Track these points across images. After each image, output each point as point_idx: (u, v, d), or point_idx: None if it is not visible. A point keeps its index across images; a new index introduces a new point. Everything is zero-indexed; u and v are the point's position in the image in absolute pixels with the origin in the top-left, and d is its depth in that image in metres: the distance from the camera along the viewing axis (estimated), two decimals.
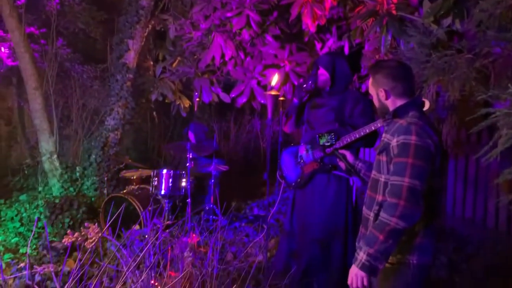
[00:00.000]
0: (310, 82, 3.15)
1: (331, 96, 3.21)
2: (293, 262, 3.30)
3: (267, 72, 4.25)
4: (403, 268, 1.92)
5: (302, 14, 3.77)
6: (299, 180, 3.28)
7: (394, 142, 1.88)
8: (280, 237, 3.66)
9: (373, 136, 3.12)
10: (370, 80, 2.08)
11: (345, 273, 3.08)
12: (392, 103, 2.00)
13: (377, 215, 1.90)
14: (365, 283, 1.87)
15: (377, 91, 2.03)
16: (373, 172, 2.05)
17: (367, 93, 4.46)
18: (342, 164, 2.46)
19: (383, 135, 2.02)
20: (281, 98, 3.55)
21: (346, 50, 4.11)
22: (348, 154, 2.43)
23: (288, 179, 3.39)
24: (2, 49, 5.99)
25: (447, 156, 1.96)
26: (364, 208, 2.07)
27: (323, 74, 3.17)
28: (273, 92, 3.10)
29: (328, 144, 2.60)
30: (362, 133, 2.88)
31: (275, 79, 3.38)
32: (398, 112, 1.97)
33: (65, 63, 6.33)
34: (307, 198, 3.27)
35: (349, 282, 1.94)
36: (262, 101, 4.43)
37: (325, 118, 3.20)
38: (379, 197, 1.94)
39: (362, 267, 1.86)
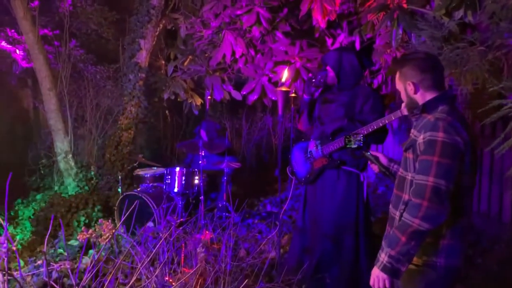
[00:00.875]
0: (319, 77, 3.14)
1: (341, 91, 3.21)
2: (306, 258, 3.31)
3: (277, 69, 4.25)
4: (429, 270, 1.85)
5: (312, 10, 3.75)
6: (308, 175, 3.29)
7: (420, 139, 1.80)
8: (293, 233, 3.67)
9: (383, 133, 3.10)
10: (397, 74, 1.99)
11: (357, 268, 3.11)
12: (422, 97, 1.90)
13: (402, 214, 1.83)
14: (387, 285, 1.81)
15: (404, 85, 1.94)
16: (400, 169, 1.98)
17: (378, 88, 4.44)
18: (375, 167, 2.31)
19: (411, 131, 1.95)
20: (292, 95, 3.55)
21: (357, 45, 4.08)
22: (381, 156, 2.29)
23: (298, 175, 3.40)
24: (17, 51, 6.09)
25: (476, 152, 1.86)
26: (390, 206, 2.01)
27: (330, 71, 3.18)
28: (284, 89, 3.11)
29: (356, 146, 2.48)
30: (370, 129, 2.87)
31: (285, 76, 3.39)
32: (427, 107, 1.88)
33: (78, 64, 6.40)
34: (317, 193, 3.28)
35: (371, 283, 1.87)
36: (273, 98, 4.43)
37: (335, 113, 3.19)
38: (406, 196, 1.87)
39: (384, 269, 1.80)
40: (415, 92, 1.91)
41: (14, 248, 2.14)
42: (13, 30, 5.97)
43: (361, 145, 2.41)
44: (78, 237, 2.06)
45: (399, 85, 2.00)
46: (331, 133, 3.16)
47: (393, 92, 4.36)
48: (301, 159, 3.37)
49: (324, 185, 3.23)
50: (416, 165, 1.82)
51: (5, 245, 2.17)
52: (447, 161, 1.73)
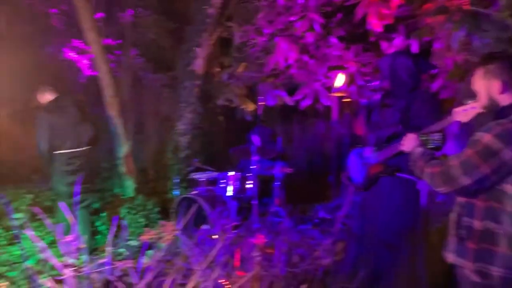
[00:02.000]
0: (376, 82, 3.10)
1: (398, 96, 3.14)
2: (361, 266, 3.26)
3: (331, 74, 4.24)
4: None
5: (367, 14, 3.71)
6: (364, 181, 3.24)
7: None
8: (348, 240, 3.63)
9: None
10: (480, 72, 1.87)
11: (414, 279, 3.01)
12: (507, 98, 1.80)
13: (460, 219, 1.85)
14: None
15: (489, 84, 1.83)
16: None
17: (437, 93, 4.28)
18: None
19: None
20: (347, 100, 3.53)
21: (415, 49, 3.98)
22: None
23: (354, 181, 3.36)
24: (83, 60, 6.48)
25: None
26: (452, 214, 1.97)
27: (383, 79, 3.13)
28: (339, 94, 3.09)
29: (433, 146, 2.40)
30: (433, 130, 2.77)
31: (340, 81, 3.37)
32: (501, 114, 1.79)
33: (138, 72, 6.70)
34: (373, 201, 3.22)
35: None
36: (327, 103, 4.41)
37: (391, 119, 3.13)
38: (462, 200, 1.88)
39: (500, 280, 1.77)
40: (502, 92, 1.80)
41: (82, 246, 2.29)
42: (79, 41, 6.36)
43: (439, 145, 2.32)
44: (142, 237, 2.17)
45: (479, 84, 1.89)
46: (387, 138, 3.10)
47: (452, 96, 4.20)
48: (357, 165, 3.32)
49: (380, 192, 3.17)
50: None
51: (74, 243, 2.33)
52: (479, 161, 1.71)
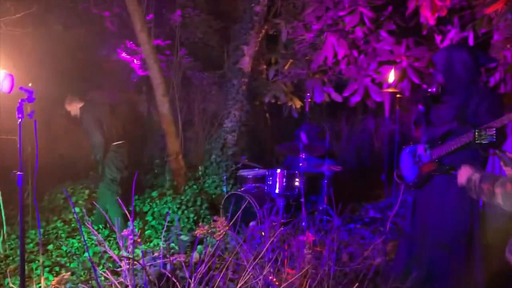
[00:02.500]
0: (434, 86, 2.97)
1: (454, 92, 3.01)
2: (413, 266, 3.17)
3: (382, 69, 4.13)
4: None
5: (420, 6, 3.59)
6: (416, 180, 3.14)
7: None
8: (400, 240, 3.54)
9: (500, 137, 2.83)
10: None
11: (472, 281, 2.89)
12: None
13: None
14: None
15: None
16: None
17: (495, 87, 4.07)
18: (509, 170, 2.14)
19: None
20: (399, 96, 3.43)
21: (471, 41, 3.80)
22: None
23: (406, 179, 3.27)
24: (135, 61, 6.71)
25: None
26: None
27: (436, 73, 3.00)
28: (391, 90, 3.01)
29: (487, 142, 2.28)
30: (496, 126, 2.63)
31: (392, 76, 3.28)
32: None
33: (187, 71, 6.85)
34: (427, 200, 3.12)
35: None
36: (377, 99, 4.31)
37: (446, 116, 3.01)
38: None
39: None
40: None
41: (138, 240, 2.38)
42: (131, 42, 6.60)
43: (494, 140, 2.16)
44: (196, 232, 2.23)
45: None
46: (440, 136, 2.99)
47: None
48: (409, 163, 3.23)
49: (434, 191, 3.06)
50: None
51: (131, 237, 2.43)
52: None
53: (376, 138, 8.08)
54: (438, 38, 4.14)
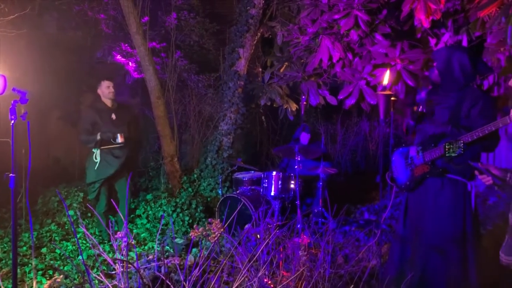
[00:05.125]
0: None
1: (448, 93, 3.02)
2: (407, 268, 3.17)
3: (377, 72, 4.14)
4: None
5: (414, 9, 3.60)
6: (409, 182, 3.15)
7: None
8: (393, 242, 3.54)
9: (493, 139, 2.84)
10: None
11: (466, 284, 2.89)
12: None
13: None
14: None
15: None
16: None
17: (488, 90, 4.09)
18: (487, 179, 2.13)
19: None
20: (393, 98, 3.44)
21: (465, 44, 3.82)
22: (491, 167, 2.11)
23: (398, 181, 3.28)
24: (130, 63, 6.70)
25: None
26: (510, 215, 1.89)
27: (434, 69, 3.02)
28: (385, 92, 3.02)
29: (456, 155, 2.30)
30: (475, 136, 2.65)
31: (386, 79, 3.29)
32: None
33: (182, 73, 6.85)
34: (420, 202, 3.13)
35: None
36: (372, 102, 4.32)
37: (440, 118, 3.02)
38: None
39: None
40: None
41: (133, 243, 2.37)
42: (126, 45, 6.59)
43: (461, 152, 2.21)
44: (190, 234, 2.22)
45: None
46: (434, 138, 3.00)
47: (507, 93, 4.00)
48: (401, 165, 3.24)
49: (427, 194, 3.07)
50: None
51: (125, 239, 2.42)
52: None
53: (371, 141, 8.11)
54: (432, 41, 4.17)
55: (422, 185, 3.09)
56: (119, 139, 4.61)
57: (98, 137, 4.60)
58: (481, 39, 3.75)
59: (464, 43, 3.85)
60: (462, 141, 2.28)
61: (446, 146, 2.27)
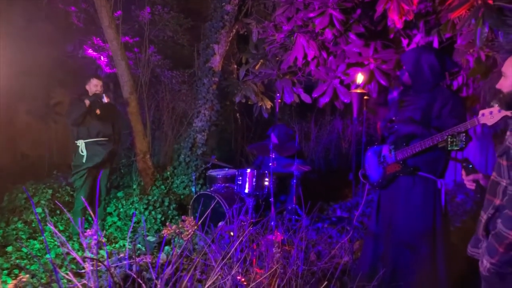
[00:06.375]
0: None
1: (418, 94, 3.08)
2: (379, 264, 3.23)
3: (350, 71, 4.18)
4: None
5: (387, 10, 3.65)
6: (381, 180, 3.20)
7: None
8: (365, 239, 3.60)
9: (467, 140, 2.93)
10: None
11: (435, 278, 2.97)
12: None
13: (490, 218, 1.83)
14: None
15: None
16: (493, 174, 1.90)
17: (457, 91, 4.20)
18: (470, 184, 2.16)
19: (508, 133, 1.86)
20: (366, 97, 3.49)
21: (436, 45, 3.91)
22: (481, 177, 2.12)
23: (371, 179, 3.33)
24: (102, 57, 6.55)
25: None
26: (482, 211, 1.95)
27: (404, 71, 3.07)
28: (359, 91, 3.05)
29: (458, 148, 2.31)
30: (445, 137, 2.72)
31: (360, 78, 3.32)
32: None
33: (156, 69, 6.75)
34: (391, 199, 3.19)
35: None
36: (345, 101, 4.36)
37: (410, 118, 3.07)
38: (497, 201, 1.83)
39: (489, 272, 1.84)
40: None
41: (103, 240, 2.31)
42: (98, 39, 6.44)
43: (464, 146, 2.25)
44: (163, 232, 2.18)
45: (511, 71, 1.84)
46: (405, 138, 3.05)
47: (475, 94, 4.12)
48: (374, 163, 3.29)
49: (399, 191, 3.13)
50: (511, 174, 1.75)
51: (95, 237, 2.35)
52: None
53: (344, 139, 8.22)
54: (404, 42, 4.24)
55: (394, 182, 3.14)
56: (105, 99, 4.76)
57: (87, 102, 4.66)
58: (451, 41, 3.84)
59: (435, 44, 3.94)
60: (463, 134, 2.31)
61: (449, 139, 2.30)
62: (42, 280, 3.54)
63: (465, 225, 4.53)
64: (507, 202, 1.73)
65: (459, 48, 3.62)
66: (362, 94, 3.14)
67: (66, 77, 6.79)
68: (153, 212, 5.10)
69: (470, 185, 2.15)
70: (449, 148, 2.30)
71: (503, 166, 1.81)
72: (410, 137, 3.03)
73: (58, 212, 5.22)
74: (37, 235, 4.76)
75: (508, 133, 1.85)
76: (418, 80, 3.04)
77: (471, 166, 2.12)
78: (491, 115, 2.40)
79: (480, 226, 1.88)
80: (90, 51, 6.47)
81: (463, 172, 2.16)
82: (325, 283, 2.41)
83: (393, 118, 3.18)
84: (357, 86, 3.26)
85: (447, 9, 3.40)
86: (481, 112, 2.48)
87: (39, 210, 5.03)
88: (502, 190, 1.80)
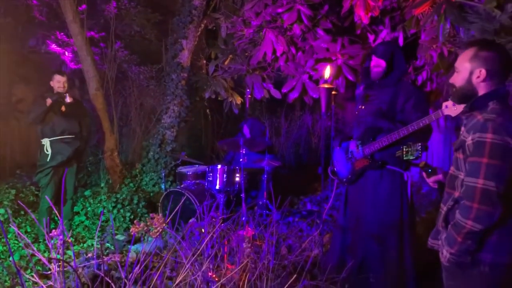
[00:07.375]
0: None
1: (382, 89, 3.14)
2: (348, 257, 3.28)
3: (319, 66, 4.23)
4: (474, 266, 1.83)
5: (354, 6, 3.71)
6: (350, 176, 3.25)
7: (469, 140, 1.77)
8: (334, 232, 3.65)
9: (427, 132, 3.02)
10: (469, 54, 1.85)
11: (402, 268, 3.05)
12: (485, 88, 1.83)
13: (449, 210, 1.88)
14: None
15: (473, 68, 1.83)
16: (452, 168, 1.95)
17: (423, 85, 4.32)
18: (433, 184, 2.20)
19: (461, 129, 1.91)
20: (334, 93, 3.53)
21: (401, 41, 4.00)
22: (441, 177, 2.15)
23: (340, 175, 3.37)
24: (66, 53, 6.36)
25: None
26: (441, 203, 2.00)
27: (378, 65, 3.09)
28: (327, 86, 3.08)
29: (414, 157, 2.36)
30: (410, 130, 2.80)
31: (327, 72, 3.36)
32: (476, 104, 1.83)
33: (123, 64, 6.60)
34: (359, 192, 3.24)
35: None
36: (314, 96, 4.41)
37: (376, 113, 3.14)
38: (456, 193, 1.88)
39: (449, 263, 1.87)
40: (483, 80, 1.82)
41: (69, 240, 2.25)
42: (62, 34, 6.24)
43: (419, 155, 2.30)
44: (131, 230, 2.14)
45: (463, 66, 1.87)
46: (371, 133, 3.11)
47: (439, 88, 4.24)
48: (342, 159, 3.33)
49: (367, 184, 3.19)
50: (467, 166, 1.80)
51: (61, 237, 2.29)
52: (497, 162, 1.71)
53: (313, 134, 8.31)
54: (371, 38, 4.32)
55: (363, 176, 3.20)
56: (68, 98, 4.61)
57: (49, 101, 4.52)
58: (416, 36, 3.94)
59: (400, 39, 4.03)
60: (419, 144, 2.36)
61: (405, 149, 2.34)
62: (6, 284, 3.42)
63: (430, 216, 4.67)
64: (463, 193, 1.79)
65: (423, 43, 3.71)
66: (330, 89, 3.18)
67: (29, 73, 6.55)
68: (121, 210, 5.01)
69: (434, 185, 2.22)
70: (404, 158, 2.34)
71: (460, 159, 1.86)
72: (376, 131, 3.09)
73: (22, 212, 5.05)
74: (0, 237, 4.59)
75: (462, 128, 1.91)
76: (391, 74, 3.09)
77: (430, 170, 2.17)
78: (454, 106, 2.49)
79: (440, 217, 1.94)
80: (53, 46, 6.27)
81: (424, 175, 2.22)
82: (295, 276, 2.43)
83: (361, 107, 3.22)
84: (325, 81, 3.30)
85: (411, 6, 3.48)
86: (444, 104, 2.56)
87: (1, 211, 4.85)
88: (460, 183, 1.85)
